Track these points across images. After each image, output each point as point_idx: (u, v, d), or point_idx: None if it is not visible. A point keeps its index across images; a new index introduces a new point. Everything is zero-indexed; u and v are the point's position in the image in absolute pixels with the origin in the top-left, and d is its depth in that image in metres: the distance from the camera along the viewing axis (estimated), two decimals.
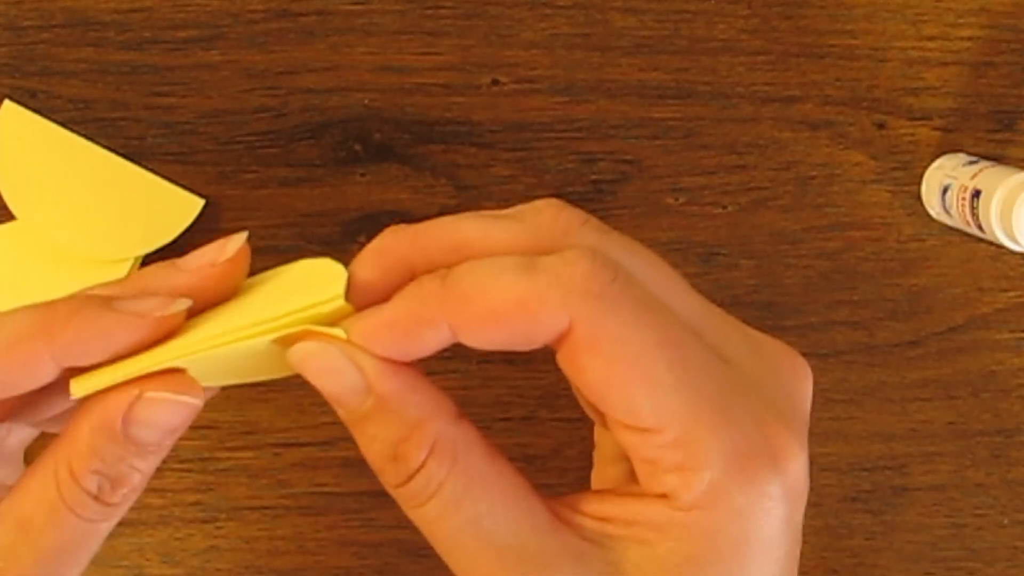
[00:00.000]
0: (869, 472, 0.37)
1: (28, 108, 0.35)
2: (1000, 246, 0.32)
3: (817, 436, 0.37)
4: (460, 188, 0.36)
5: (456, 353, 0.36)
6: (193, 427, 0.36)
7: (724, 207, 0.36)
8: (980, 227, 0.33)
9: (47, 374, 0.24)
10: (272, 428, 0.36)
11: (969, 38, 0.36)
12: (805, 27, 0.36)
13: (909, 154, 0.36)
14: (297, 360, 0.23)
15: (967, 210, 0.33)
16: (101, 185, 0.35)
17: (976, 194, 0.32)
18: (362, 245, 0.36)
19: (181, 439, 0.36)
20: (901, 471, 0.37)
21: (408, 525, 0.37)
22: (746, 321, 0.37)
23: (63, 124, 0.35)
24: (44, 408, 0.27)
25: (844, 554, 0.37)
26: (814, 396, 0.36)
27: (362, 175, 0.36)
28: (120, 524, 0.36)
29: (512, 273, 0.22)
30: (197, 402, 0.24)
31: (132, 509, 0.37)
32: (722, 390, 0.22)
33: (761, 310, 0.36)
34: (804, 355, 0.37)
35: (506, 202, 0.36)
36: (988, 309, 0.37)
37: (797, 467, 0.22)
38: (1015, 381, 0.37)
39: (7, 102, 0.35)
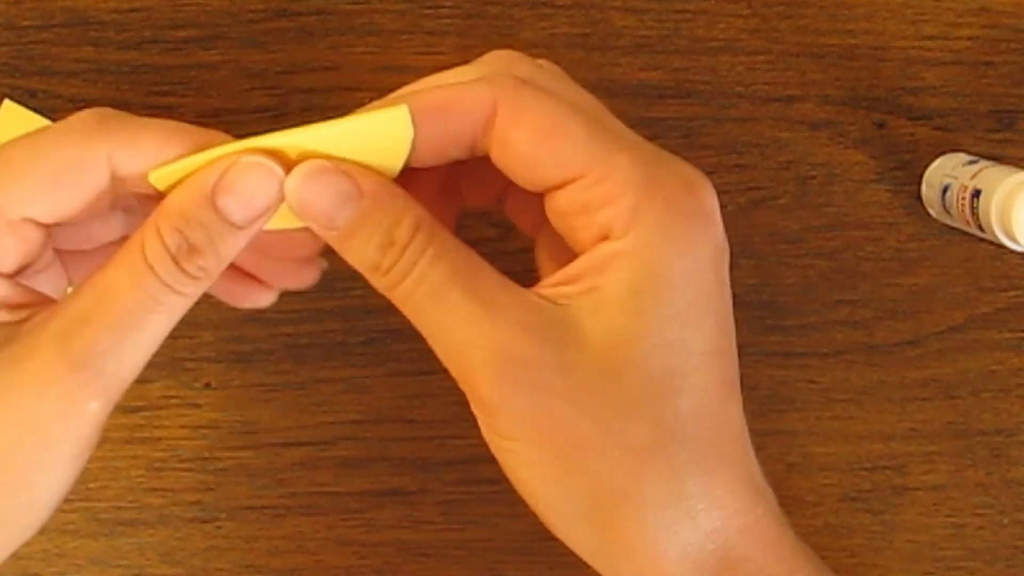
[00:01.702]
0: (869, 472, 0.37)
1: (28, 107, 0.35)
2: (1000, 245, 0.32)
3: (817, 436, 0.37)
4: None
5: None
6: (193, 427, 0.36)
7: (724, 207, 0.36)
8: (980, 227, 0.33)
9: (99, 177, 0.27)
10: (272, 428, 0.36)
11: (969, 38, 0.36)
12: (805, 27, 0.36)
13: (909, 154, 0.36)
14: (299, 182, 0.26)
15: (967, 210, 0.33)
16: None
17: (976, 194, 0.32)
18: None
19: (181, 438, 0.36)
20: (901, 471, 0.37)
21: (408, 525, 0.37)
22: (746, 321, 0.37)
23: None
24: (92, 230, 0.30)
25: (844, 554, 0.37)
26: (814, 396, 0.37)
27: None
28: (120, 524, 0.36)
29: (453, 80, 0.27)
30: (283, 176, 0.27)
31: (132, 509, 0.37)
32: (632, 139, 0.27)
33: (761, 310, 0.36)
34: (804, 355, 0.37)
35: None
36: (988, 309, 0.37)
37: (709, 196, 0.26)
38: (1015, 381, 0.37)
39: (7, 101, 0.35)
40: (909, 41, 0.36)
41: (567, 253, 0.27)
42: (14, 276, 0.28)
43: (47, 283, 0.30)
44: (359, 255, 0.26)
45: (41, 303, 0.28)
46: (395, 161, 0.28)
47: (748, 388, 0.37)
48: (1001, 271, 0.37)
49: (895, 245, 0.36)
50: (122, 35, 0.35)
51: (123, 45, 0.35)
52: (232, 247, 0.27)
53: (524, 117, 0.26)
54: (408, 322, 0.34)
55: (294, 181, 0.26)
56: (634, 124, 0.36)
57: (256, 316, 0.33)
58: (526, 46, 0.36)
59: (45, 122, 0.35)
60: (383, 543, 0.37)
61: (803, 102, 0.36)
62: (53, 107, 0.35)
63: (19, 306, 0.27)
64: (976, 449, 0.37)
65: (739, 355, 0.36)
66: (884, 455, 0.37)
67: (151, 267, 0.26)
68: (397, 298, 0.26)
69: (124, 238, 0.30)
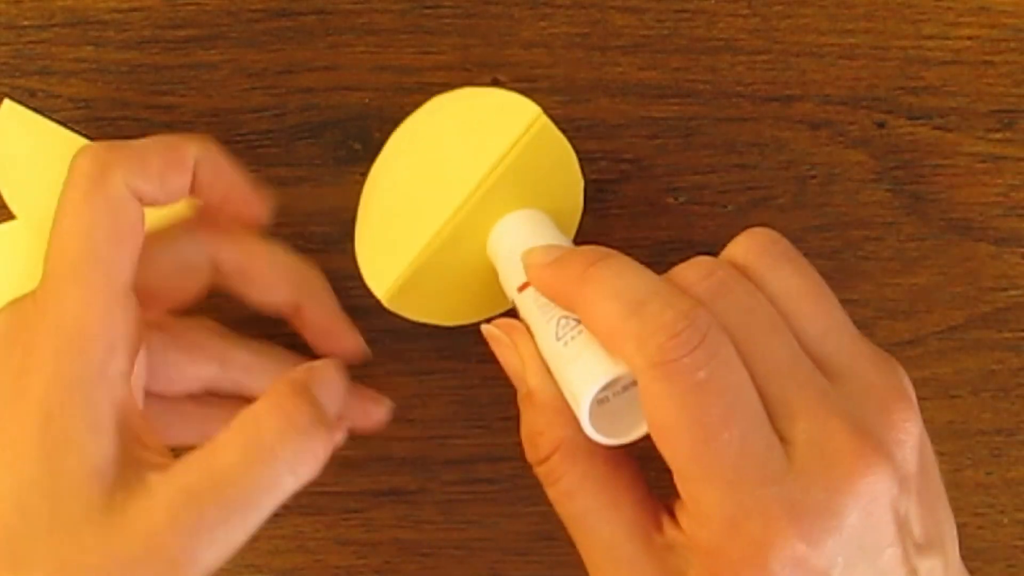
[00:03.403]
0: None
1: (28, 107, 0.35)
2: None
3: None
4: None
5: (456, 353, 0.36)
6: None
7: (724, 206, 0.36)
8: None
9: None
10: None
11: (969, 37, 0.36)
12: (805, 26, 0.36)
13: (909, 153, 0.36)
14: (487, 337, 0.30)
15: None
16: None
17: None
18: None
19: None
20: None
21: (408, 525, 0.37)
22: None
23: (63, 123, 0.35)
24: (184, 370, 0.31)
25: None
26: None
27: (362, 174, 0.36)
28: None
29: (623, 302, 0.25)
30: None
31: None
32: (739, 477, 0.24)
33: None
34: None
35: None
36: (988, 308, 0.37)
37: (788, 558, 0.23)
38: (1015, 381, 0.37)
39: (7, 101, 0.35)
40: (909, 41, 0.36)
41: None
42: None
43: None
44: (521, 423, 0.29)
45: (155, 451, 0.28)
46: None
47: None
48: (1001, 271, 0.37)
49: (895, 245, 0.36)
50: (122, 35, 0.35)
51: (123, 45, 0.35)
52: (332, 438, 0.29)
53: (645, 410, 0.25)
54: (408, 322, 0.34)
55: (487, 334, 0.30)
56: (634, 124, 0.36)
57: (257, 317, 0.33)
58: (526, 45, 0.36)
59: (45, 122, 0.35)
60: (383, 542, 0.37)
61: (803, 101, 0.36)
62: (53, 107, 0.35)
63: (134, 443, 0.28)
64: (976, 449, 0.37)
65: None
66: None
67: (272, 449, 0.27)
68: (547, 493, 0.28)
69: (207, 392, 0.32)
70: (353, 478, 0.37)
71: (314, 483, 0.36)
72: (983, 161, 0.36)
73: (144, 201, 0.28)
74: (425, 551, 0.37)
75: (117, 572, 0.25)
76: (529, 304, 0.29)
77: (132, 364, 0.27)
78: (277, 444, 0.27)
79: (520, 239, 0.30)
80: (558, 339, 0.27)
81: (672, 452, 0.24)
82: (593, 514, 0.26)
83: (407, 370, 0.36)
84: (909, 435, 0.25)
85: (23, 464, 0.26)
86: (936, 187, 0.36)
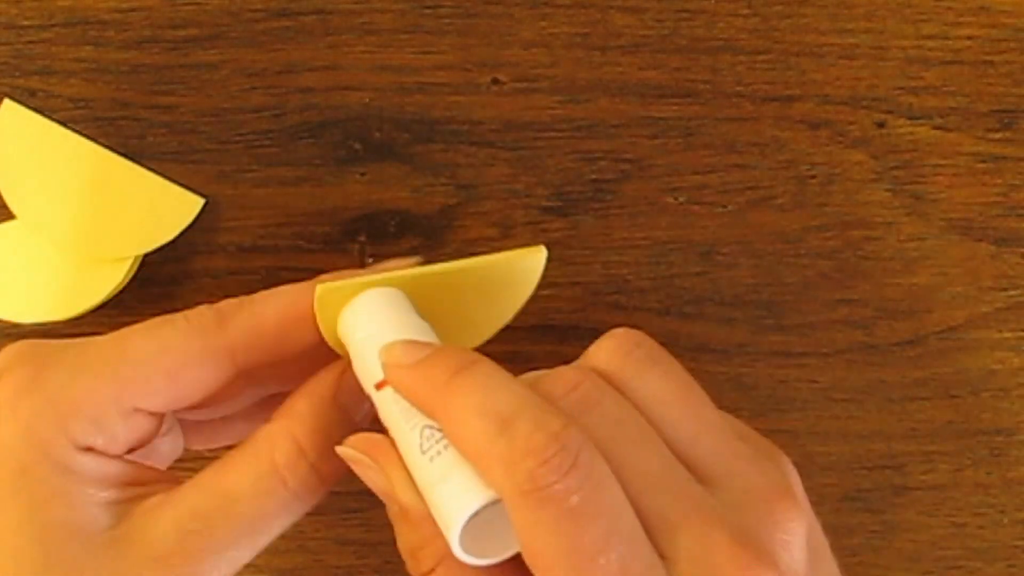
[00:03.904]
0: (869, 471, 0.37)
1: (28, 107, 0.35)
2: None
3: (817, 435, 0.37)
4: (460, 187, 0.36)
5: None
6: None
7: (724, 206, 0.36)
8: None
9: (221, 372, 0.27)
10: None
11: (969, 37, 0.36)
12: (805, 26, 0.36)
13: (909, 153, 0.36)
14: (344, 458, 0.27)
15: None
16: (101, 184, 0.35)
17: None
18: (362, 244, 0.36)
19: None
20: (901, 470, 0.37)
21: None
22: (746, 321, 0.37)
23: (63, 123, 0.35)
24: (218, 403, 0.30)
25: (844, 553, 0.37)
26: (814, 396, 0.37)
27: (362, 174, 0.36)
28: None
29: (490, 420, 0.23)
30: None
31: None
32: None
33: (761, 309, 0.36)
34: (804, 354, 0.37)
35: (505, 200, 0.36)
36: (988, 308, 0.37)
37: None
38: (1015, 380, 0.37)
39: (6, 101, 0.35)
40: (909, 41, 0.36)
41: None
42: (126, 455, 0.28)
43: (162, 448, 0.31)
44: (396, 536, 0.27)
45: (154, 480, 0.28)
46: (520, 299, 0.30)
47: (748, 388, 0.37)
48: (1001, 271, 0.37)
49: (895, 245, 0.36)
50: (122, 35, 0.35)
51: (123, 45, 0.35)
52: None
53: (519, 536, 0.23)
54: None
55: (345, 455, 0.27)
56: (634, 124, 0.36)
57: None
58: (526, 45, 0.36)
59: (45, 122, 0.35)
60: (383, 542, 0.37)
61: (803, 101, 0.36)
62: (53, 107, 0.35)
63: (131, 483, 0.27)
64: (976, 449, 0.37)
65: (738, 355, 0.37)
66: (884, 455, 0.37)
67: (282, 477, 0.26)
68: None
69: (251, 408, 0.31)
70: (353, 478, 0.36)
71: None
72: (983, 161, 0.36)
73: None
74: None
75: None
76: (389, 406, 0.26)
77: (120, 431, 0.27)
78: (288, 474, 0.27)
79: (378, 328, 0.27)
80: (423, 452, 0.25)
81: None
82: None
83: None
84: (794, 534, 0.24)
85: (5, 509, 0.26)
86: (936, 187, 0.36)
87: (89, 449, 0.27)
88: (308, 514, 0.36)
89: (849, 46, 0.36)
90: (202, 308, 0.28)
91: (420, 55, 0.36)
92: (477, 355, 0.25)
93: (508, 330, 0.36)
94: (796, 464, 0.37)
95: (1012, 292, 0.36)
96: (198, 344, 0.27)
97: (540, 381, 0.25)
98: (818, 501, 0.37)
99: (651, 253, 0.36)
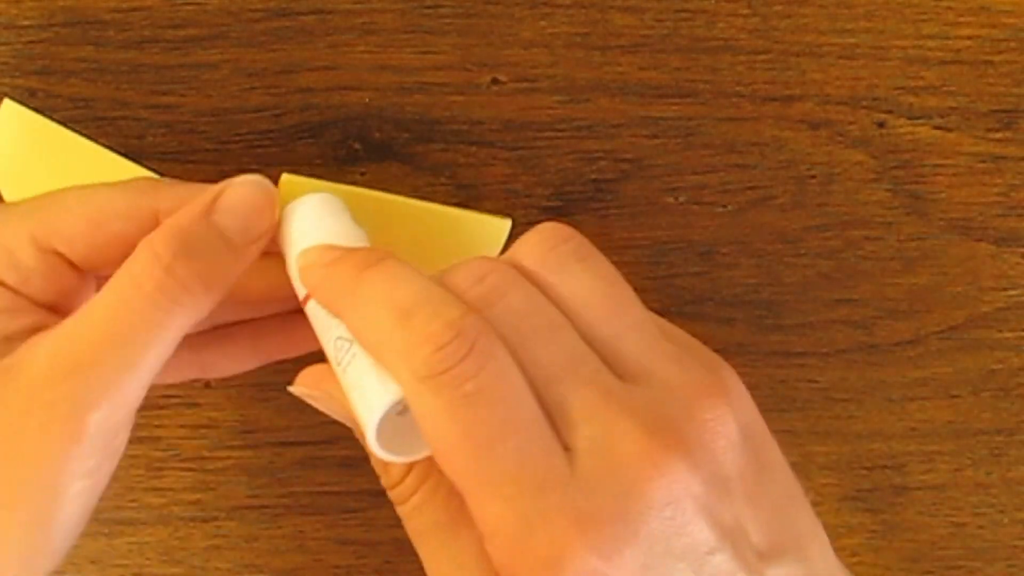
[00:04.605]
0: (869, 471, 0.37)
1: (28, 107, 0.35)
2: None
3: (817, 435, 0.37)
4: (460, 187, 0.36)
5: None
6: (193, 426, 0.36)
7: (724, 206, 0.36)
8: None
9: (140, 229, 0.27)
10: (272, 427, 0.36)
11: (969, 37, 0.36)
12: (805, 26, 0.36)
13: (909, 153, 0.36)
14: (296, 393, 0.27)
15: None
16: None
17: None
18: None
19: (181, 438, 0.36)
20: (901, 470, 0.37)
21: None
22: (746, 321, 0.37)
23: (63, 123, 0.35)
24: None
25: (844, 553, 0.37)
26: (814, 396, 0.37)
27: (362, 174, 0.36)
28: (119, 523, 0.36)
29: (390, 311, 0.23)
30: (273, 190, 0.27)
31: (131, 508, 0.37)
32: (518, 490, 0.22)
33: (761, 309, 0.36)
34: (804, 354, 0.37)
35: (505, 200, 0.36)
36: (988, 308, 0.37)
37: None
38: (1015, 380, 0.37)
39: (7, 101, 0.35)
40: (909, 40, 0.36)
41: None
42: (48, 308, 0.28)
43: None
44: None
45: (52, 324, 0.27)
46: None
47: (748, 388, 0.37)
48: (1001, 270, 0.37)
49: (895, 245, 0.36)
50: (122, 34, 0.35)
51: (123, 44, 0.35)
52: (229, 267, 0.27)
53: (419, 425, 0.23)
54: None
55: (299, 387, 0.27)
56: (634, 123, 0.36)
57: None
58: (526, 45, 0.36)
59: (45, 122, 0.35)
60: (383, 542, 0.37)
61: (803, 101, 0.36)
62: (53, 107, 0.35)
63: (35, 328, 0.27)
64: (976, 449, 0.37)
65: (739, 355, 0.37)
66: (884, 455, 0.37)
67: (138, 283, 0.26)
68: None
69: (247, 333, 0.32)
70: (353, 478, 0.36)
71: (314, 483, 0.36)
72: (983, 161, 0.36)
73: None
74: None
75: (14, 423, 0.25)
76: (314, 320, 0.26)
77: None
78: (144, 280, 0.26)
79: (308, 233, 0.27)
80: (338, 363, 0.25)
81: (450, 468, 0.23)
82: (441, 529, 0.25)
83: None
84: (719, 434, 0.23)
85: None
86: (936, 187, 0.36)
87: (1, 283, 0.27)
88: (308, 514, 0.36)
89: (849, 46, 0.36)
90: (140, 176, 0.28)
91: (420, 55, 0.36)
92: (387, 252, 0.25)
93: None
94: (796, 464, 0.37)
95: (1012, 292, 0.36)
96: (125, 201, 0.27)
97: (447, 274, 0.25)
98: (818, 501, 0.37)
99: (651, 253, 0.36)
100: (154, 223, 0.27)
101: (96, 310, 0.26)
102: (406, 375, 0.23)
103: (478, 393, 0.22)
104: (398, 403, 0.24)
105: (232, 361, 0.32)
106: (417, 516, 0.26)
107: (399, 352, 0.23)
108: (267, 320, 0.32)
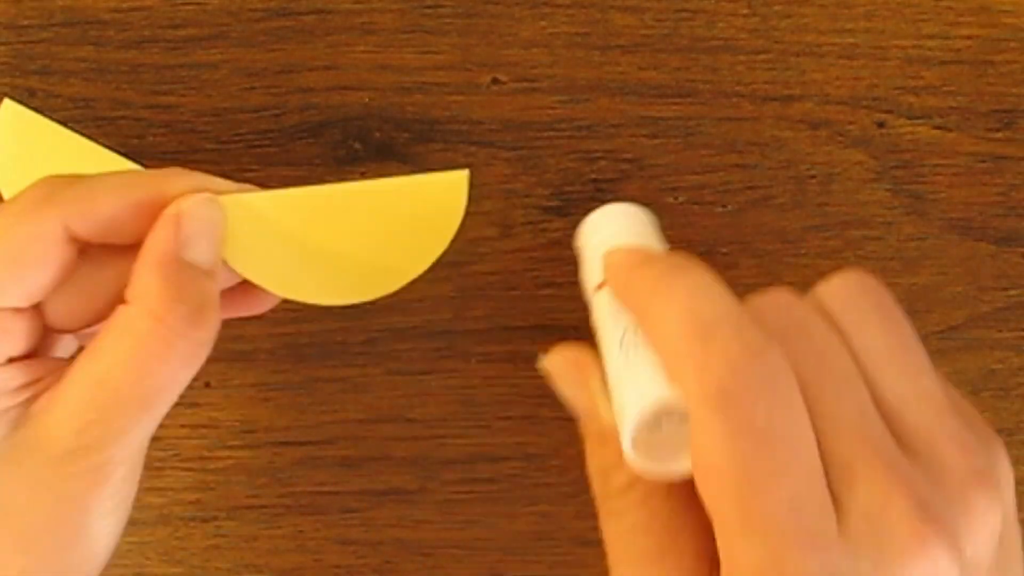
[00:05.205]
0: None
1: (28, 107, 0.35)
2: None
3: None
4: None
5: (456, 353, 0.36)
6: (193, 426, 0.36)
7: (724, 206, 0.36)
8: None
9: (59, 248, 0.27)
10: (272, 427, 0.36)
11: (969, 37, 0.36)
12: (805, 26, 0.36)
13: (909, 153, 0.36)
14: (549, 371, 0.27)
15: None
16: None
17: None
18: None
19: (181, 438, 0.36)
20: None
21: (408, 524, 0.37)
22: None
23: (63, 123, 0.35)
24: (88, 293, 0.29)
25: None
26: None
27: (362, 173, 0.36)
28: None
29: (690, 323, 0.23)
30: (220, 202, 0.28)
31: (132, 508, 0.37)
32: (783, 540, 0.21)
33: None
34: None
35: (505, 200, 0.36)
36: (988, 308, 0.37)
37: None
38: (1015, 380, 0.37)
39: (7, 101, 0.35)
40: (909, 40, 0.36)
41: None
42: (18, 360, 0.28)
43: (58, 347, 0.31)
44: (585, 455, 0.27)
45: (43, 373, 0.28)
46: (448, 228, 0.30)
47: None
48: (1001, 270, 0.37)
49: (895, 244, 0.36)
50: (122, 34, 0.35)
51: (123, 44, 0.35)
52: (215, 291, 0.28)
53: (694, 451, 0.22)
54: (408, 321, 0.34)
55: (548, 365, 0.28)
56: (634, 123, 0.36)
57: (256, 315, 0.33)
58: (526, 45, 0.36)
59: (45, 122, 0.35)
60: (383, 542, 0.37)
61: (803, 101, 0.36)
62: (53, 107, 0.35)
63: (20, 388, 0.27)
64: None
65: None
66: None
67: (157, 356, 0.26)
68: (599, 508, 0.26)
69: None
70: (353, 478, 0.36)
71: (314, 483, 0.36)
72: (983, 161, 0.36)
73: (88, 239, 0.28)
74: (425, 551, 0.37)
75: (47, 496, 0.26)
76: (603, 306, 0.27)
77: None
78: (163, 351, 0.26)
79: (611, 236, 0.29)
80: (620, 347, 0.25)
81: (714, 499, 0.22)
82: (650, 556, 0.24)
83: (407, 370, 0.36)
84: (986, 525, 0.22)
85: None
86: (936, 187, 0.36)
87: None
88: (308, 514, 0.36)
89: (849, 46, 0.36)
90: (33, 186, 0.28)
91: (420, 55, 0.36)
92: (694, 260, 0.25)
93: (508, 330, 0.36)
94: None
95: (1012, 292, 0.36)
96: (29, 229, 0.27)
97: (753, 298, 0.25)
98: None
99: None
100: (66, 236, 0.27)
101: (117, 381, 0.26)
102: (695, 388, 0.22)
103: (767, 428, 0.21)
104: (670, 408, 0.23)
105: None
106: (629, 539, 0.25)
107: (693, 365, 0.22)
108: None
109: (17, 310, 0.28)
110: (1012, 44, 0.36)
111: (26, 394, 0.27)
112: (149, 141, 0.35)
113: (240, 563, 0.36)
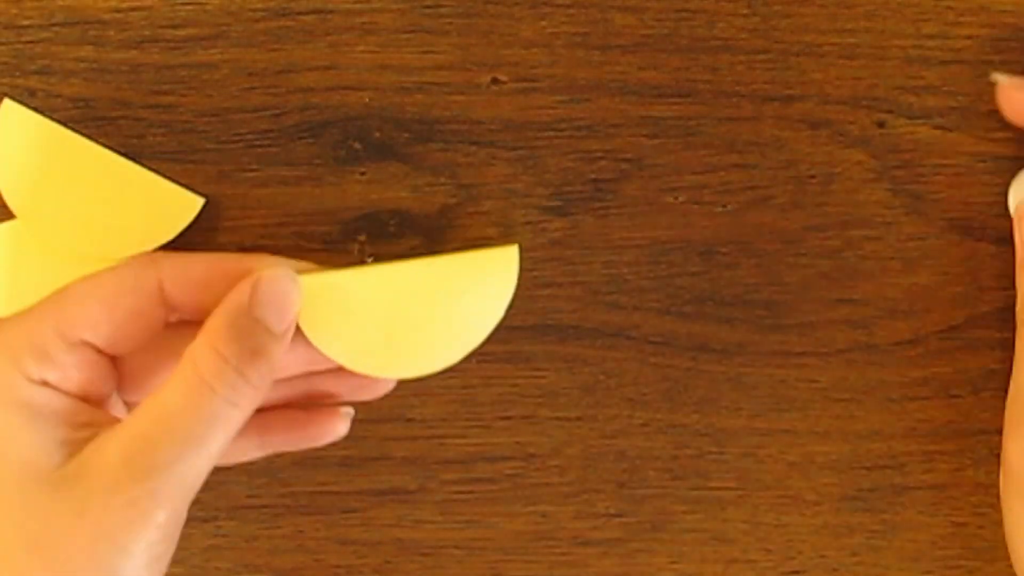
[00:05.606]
0: (869, 471, 0.37)
1: (28, 107, 0.35)
2: None
3: (817, 435, 0.37)
4: (460, 186, 0.36)
5: None
6: None
7: (724, 206, 0.36)
8: None
9: (152, 303, 0.30)
10: None
11: (969, 37, 0.36)
12: (805, 26, 0.36)
13: (909, 153, 0.36)
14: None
15: None
16: (101, 184, 0.35)
17: None
18: (362, 244, 0.36)
19: None
20: (901, 470, 0.37)
21: (408, 524, 0.37)
22: (746, 321, 0.37)
23: (63, 123, 0.35)
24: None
25: (844, 553, 0.37)
26: (814, 395, 0.37)
27: (362, 174, 0.36)
28: None
29: None
30: (297, 277, 0.30)
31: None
32: None
33: (761, 309, 0.36)
34: (804, 354, 0.37)
35: (506, 200, 0.36)
36: (988, 307, 0.37)
37: None
38: None
39: (7, 101, 0.35)
40: (909, 40, 0.36)
41: None
42: (83, 399, 0.29)
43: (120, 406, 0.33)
44: None
45: (106, 422, 0.29)
46: (502, 298, 0.32)
47: (748, 388, 0.37)
48: (1002, 269, 0.36)
49: (895, 244, 0.36)
50: (122, 34, 0.35)
51: (123, 44, 0.35)
52: (278, 355, 0.29)
53: None
54: None
55: None
56: (634, 123, 0.36)
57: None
58: (526, 45, 0.36)
59: (45, 122, 0.35)
60: (382, 542, 0.37)
61: (803, 101, 0.36)
62: (53, 107, 0.35)
63: (84, 424, 0.29)
64: (976, 448, 0.37)
65: (738, 354, 0.37)
66: (884, 455, 0.37)
67: (210, 385, 0.28)
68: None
69: None
70: (353, 478, 0.37)
71: (314, 483, 0.36)
72: (983, 161, 0.36)
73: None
74: (425, 551, 0.37)
75: (87, 527, 0.26)
76: None
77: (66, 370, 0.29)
78: (215, 382, 0.28)
79: None
80: None
81: None
82: None
83: None
84: None
85: None
86: (936, 187, 0.36)
87: (44, 384, 0.28)
88: (308, 514, 0.36)
89: (849, 46, 0.36)
90: (141, 252, 0.31)
91: (420, 55, 0.36)
92: None
93: (508, 330, 0.36)
94: (796, 464, 0.37)
95: (1012, 291, 0.36)
96: (132, 278, 0.30)
97: None
98: (818, 501, 0.37)
99: (651, 253, 0.36)
100: (160, 293, 0.30)
101: (169, 411, 0.28)
102: None
103: None
104: None
105: (237, 451, 0.34)
106: None
107: None
108: (273, 413, 0.34)
109: (99, 351, 0.29)
110: (1012, 44, 0.36)
111: (87, 432, 0.28)
112: (149, 141, 0.35)
113: (240, 563, 0.36)
